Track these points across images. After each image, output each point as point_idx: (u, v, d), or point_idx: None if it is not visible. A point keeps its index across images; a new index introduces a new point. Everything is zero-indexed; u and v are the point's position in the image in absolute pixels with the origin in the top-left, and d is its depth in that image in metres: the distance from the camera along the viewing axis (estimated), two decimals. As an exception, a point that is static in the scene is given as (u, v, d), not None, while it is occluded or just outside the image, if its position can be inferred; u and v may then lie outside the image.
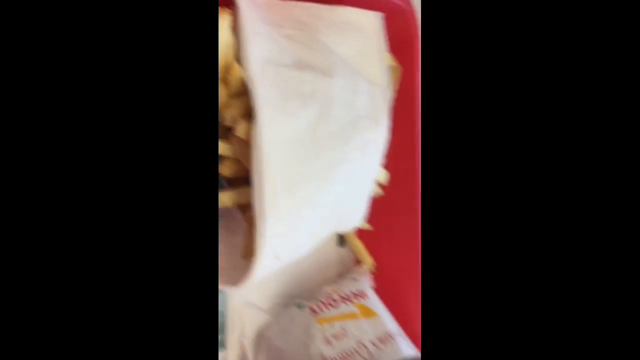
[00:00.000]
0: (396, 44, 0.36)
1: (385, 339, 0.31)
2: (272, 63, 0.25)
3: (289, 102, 0.24)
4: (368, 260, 0.41)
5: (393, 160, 0.38)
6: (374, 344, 0.30)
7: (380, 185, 0.38)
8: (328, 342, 0.30)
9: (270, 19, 0.27)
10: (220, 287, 0.25)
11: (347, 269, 0.41)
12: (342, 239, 0.42)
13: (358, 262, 0.42)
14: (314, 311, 0.32)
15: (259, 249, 0.23)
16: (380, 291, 0.38)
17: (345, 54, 0.30)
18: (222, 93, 0.24)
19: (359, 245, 0.41)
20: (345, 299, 0.34)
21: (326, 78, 0.27)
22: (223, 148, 0.25)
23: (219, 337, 0.32)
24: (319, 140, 0.25)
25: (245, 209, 0.27)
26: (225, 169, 0.26)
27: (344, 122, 0.27)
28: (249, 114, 0.25)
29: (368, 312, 0.33)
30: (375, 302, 0.35)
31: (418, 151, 0.38)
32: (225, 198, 0.25)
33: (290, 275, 0.37)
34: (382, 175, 0.36)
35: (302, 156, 0.24)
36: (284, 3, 0.29)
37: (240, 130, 0.24)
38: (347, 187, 0.28)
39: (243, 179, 0.26)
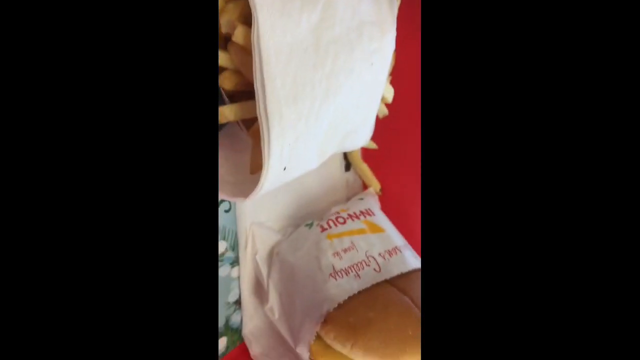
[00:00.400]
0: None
1: (393, 251, 0.32)
2: (268, -41, 0.22)
3: (289, 4, 0.23)
4: (375, 184, 0.41)
5: (399, 77, 0.37)
6: (382, 256, 0.31)
7: (387, 104, 0.37)
8: (338, 255, 0.31)
9: None
10: (232, 199, 0.25)
11: (354, 192, 0.41)
12: (348, 164, 0.42)
13: (365, 186, 0.42)
14: (323, 228, 0.33)
15: (267, 158, 0.22)
16: (388, 212, 0.39)
17: (347, -47, 0.27)
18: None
19: (365, 169, 0.41)
20: (353, 216, 0.34)
21: (328, -22, 0.25)
22: (221, 58, 0.24)
23: (232, 254, 0.33)
24: (322, 46, 0.24)
25: (250, 124, 0.26)
26: (225, 82, 0.25)
27: (349, 26, 0.25)
28: (246, 19, 0.23)
29: (375, 228, 0.34)
30: (382, 219, 0.35)
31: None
32: (228, 112, 0.24)
33: (299, 198, 0.38)
34: (389, 92, 0.34)
35: (305, 63, 0.23)
36: None
37: (238, 35, 0.22)
38: (353, 99, 0.27)
39: (245, 93, 0.25)
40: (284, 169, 0.24)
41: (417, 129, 0.39)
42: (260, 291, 0.34)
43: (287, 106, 0.23)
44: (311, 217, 0.36)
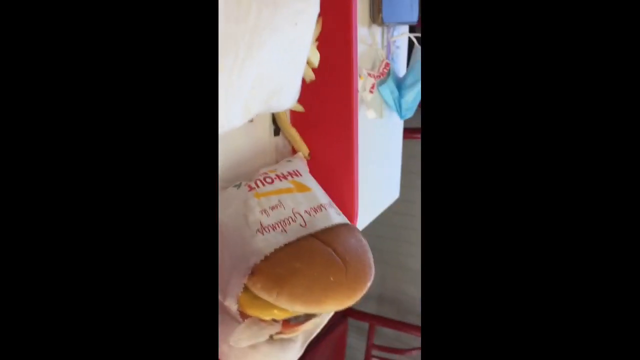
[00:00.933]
0: None
1: (318, 208, 0.34)
2: None
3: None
4: (304, 149, 0.42)
5: (327, 44, 0.38)
6: (307, 213, 0.33)
7: (314, 70, 0.38)
8: (265, 212, 0.32)
9: None
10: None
11: (283, 157, 0.43)
12: (277, 128, 0.43)
13: (294, 151, 0.43)
14: (251, 188, 0.34)
15: (188, 110, 0.22)
16: (316, 175, 0.41)
17: None
18: None
19: (294, 134, 0.43)
20: (281, 177, 0.36)
21: None
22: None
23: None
24: (245, 1, 0.24)
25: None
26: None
27: (272, -16, 0.26)
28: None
29: (302, 187, 0.35)
30: (308, 179, 0.37)
31: (354, 35, 0.38)
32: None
33: (227, 161, 0.38)
34: (315, 56, 0.36)
35: (227, 15, 0.23)
36: None
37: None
38: (277, 57, 0.27)
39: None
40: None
41: (343, 94, 0.41)
42: (187, 251, 0.34)
43: (209, 57, 0.23)
44: (239, 180, 0.37)
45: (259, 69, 0.26)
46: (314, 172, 0.41)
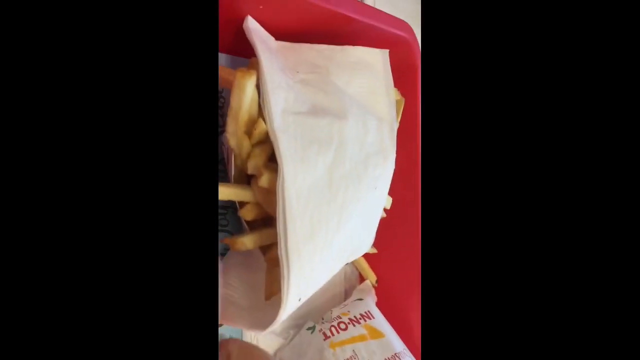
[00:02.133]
0: (399, 72, 0.38)
1: (393, 358, 0.33)
2: (290, 113, 0.25)
3: (308, 150, 0.25)
4: (371, 276, 0.43)
5: (396, 183, 0.40)
6: (383, 365, 0.32)
7: (385, 210, 0.39)
8: (341, 365, 0.32)
9: (286, 64, 0.27)
10: (249, 330, 0.26)
11: (351, 285, 0.43)
12: (346, 257, 0.44)
13: (362, 278, 0.43)
14: (326, 336, 0.34)
15: (285, 294, 0.24)
16: (383, 304, 0.40)
17: (355, 93, 0.31)
18: (246, 144, 0.25)
19: (363, 263, 0.43)
20: (354, 321, 0.36)
21: (340, 121, 0.28)
22: (246, 194, 0.26)
23: (237, 363, 0.33)
24: (334, 182, 0.27)
25: (266, 250, 0.28)
26: (247, 213, 0.27)
27: (357, 160, 0.28)
28: (269, 160, 0.25)
29: (376, 333, 0.35)
30: (381, 322, 0.37)
31: (419, 175, 0.40)
32: (248, 241, 0.26)
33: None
34: (388, 202, 0.37)
35: (321, 200, 0.26)
36: (298, 46, 0.29)
37: (263, 181, 0.25)
38: (360, 222, 0.29)
39: (263, 221, 0.27)
40: (299, 299, 0.26)
41: (410, 225, 0.42)
42: (262, 401, 0.33)
43: (305, 243, 0.25)
44: (311, 315, 0.37)
45: (344, 238, 0.28)
46: (381, 297, 0.41)
